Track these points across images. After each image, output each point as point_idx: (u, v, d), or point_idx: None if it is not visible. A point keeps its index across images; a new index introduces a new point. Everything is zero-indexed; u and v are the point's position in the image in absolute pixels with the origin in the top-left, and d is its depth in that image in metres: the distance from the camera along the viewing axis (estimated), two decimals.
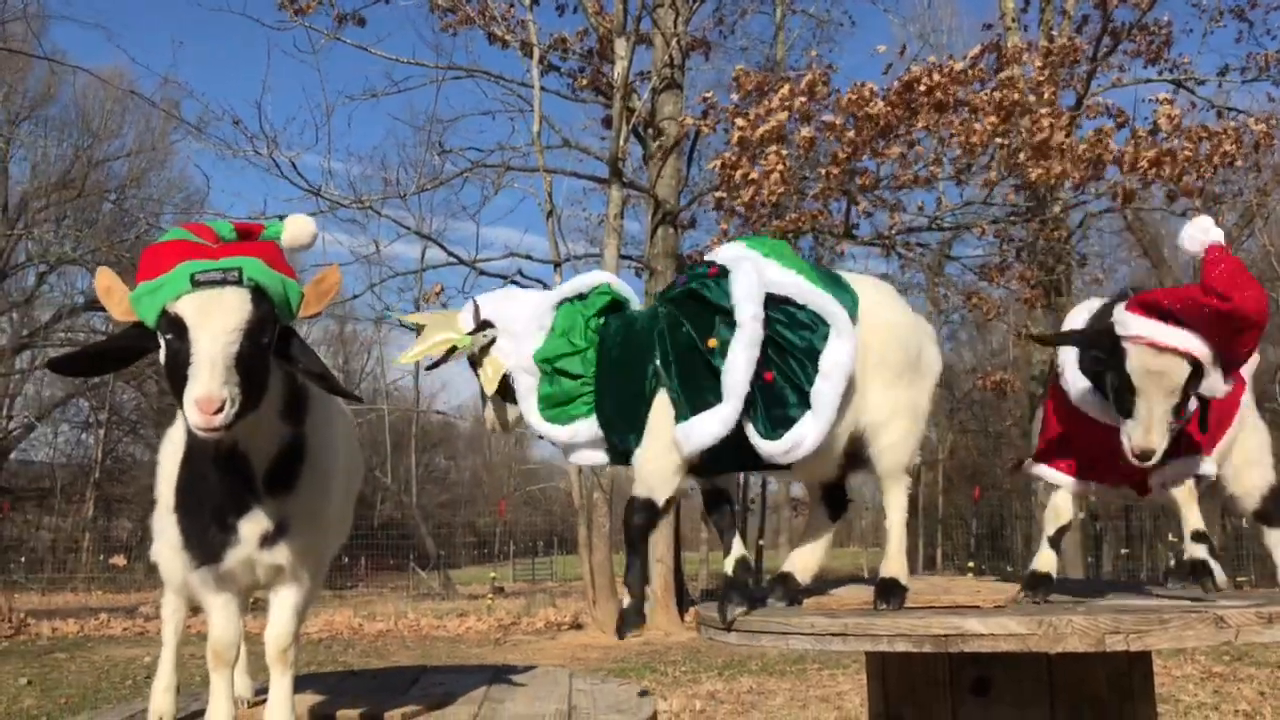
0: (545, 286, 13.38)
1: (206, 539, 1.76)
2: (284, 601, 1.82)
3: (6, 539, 23.38)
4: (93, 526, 24.67)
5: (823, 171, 10.61)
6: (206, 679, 2.06)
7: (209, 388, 1.52)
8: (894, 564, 2.02)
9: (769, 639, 1.92)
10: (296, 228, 1.78)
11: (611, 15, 12.81)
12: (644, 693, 2.29)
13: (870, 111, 10.07)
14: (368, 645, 10.23)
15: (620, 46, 12.40)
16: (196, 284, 1.57)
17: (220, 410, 1.51)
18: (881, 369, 1.98)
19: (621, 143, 12.59)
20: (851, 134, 10.18)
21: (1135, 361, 1.87)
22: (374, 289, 14.48)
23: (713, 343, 1.94)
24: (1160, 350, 1.85)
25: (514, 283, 12.86)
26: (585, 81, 13.95)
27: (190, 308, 1.57)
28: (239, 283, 1.59)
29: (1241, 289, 1.82)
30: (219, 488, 1.72)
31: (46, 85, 25.97)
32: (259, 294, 1.61)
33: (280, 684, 1.78)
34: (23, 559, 20.99)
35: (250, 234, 1.79)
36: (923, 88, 10.06)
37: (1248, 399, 2.37)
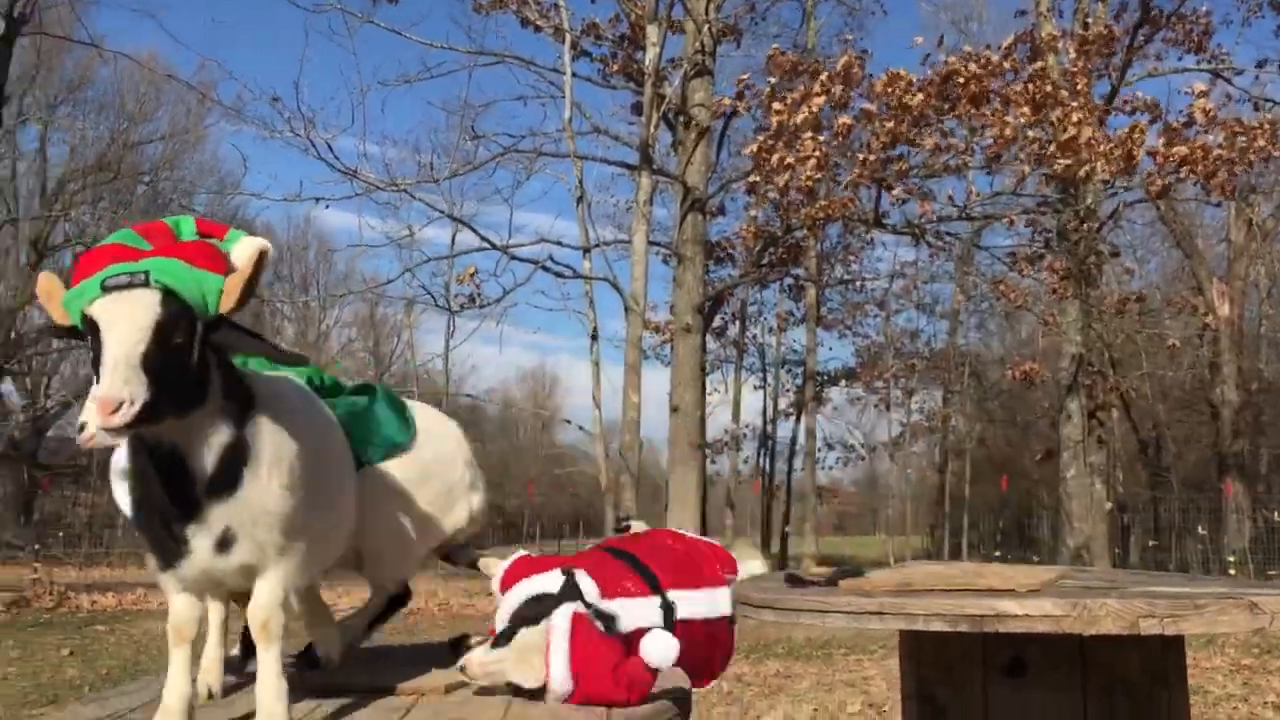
0: (575, 272, 13.48)
1: (162, 548, 1.76)
2: (265, 579, 1.80)
3: (45, 515, 23.77)
4: None
5: (860, 159, 10.59)
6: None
7: (106, 388, 1.52)
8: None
9: (807, 617, 1.97)
10: (241, 249, 1.74)
11: (643, 1, 12.83)
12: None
13: (908, 102, 10.05)
14: (399, 623, 10.36)
15: (652, 33, 12.42)
16: (106, 289, 1.59)
17: (117, 410, 1.50)
18: None
19: (652, 129, 12.62)
20: (891, 124, 10.16)
21: None
22: (409, 271, 14.58)
23: None
24: None
25: (543, 268, 12.93)
26: (617, 67, 13.98)
27: (100, 310, 1.59)
28: (146, 285, 1.60)
29: None
30: (163, 496, 1.71)
31: (84, 68, 26.28)
32: (169, 295, 1.60)
33: (266, 657, 1.76)
34: (60, 534, 21.37)
35: (212, 234, 1.79)
36: (961, 79, 10.03)
37: None
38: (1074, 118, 10.14)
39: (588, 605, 2.17)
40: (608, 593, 2.25)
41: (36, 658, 7.43)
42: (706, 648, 2.32)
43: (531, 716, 1.85)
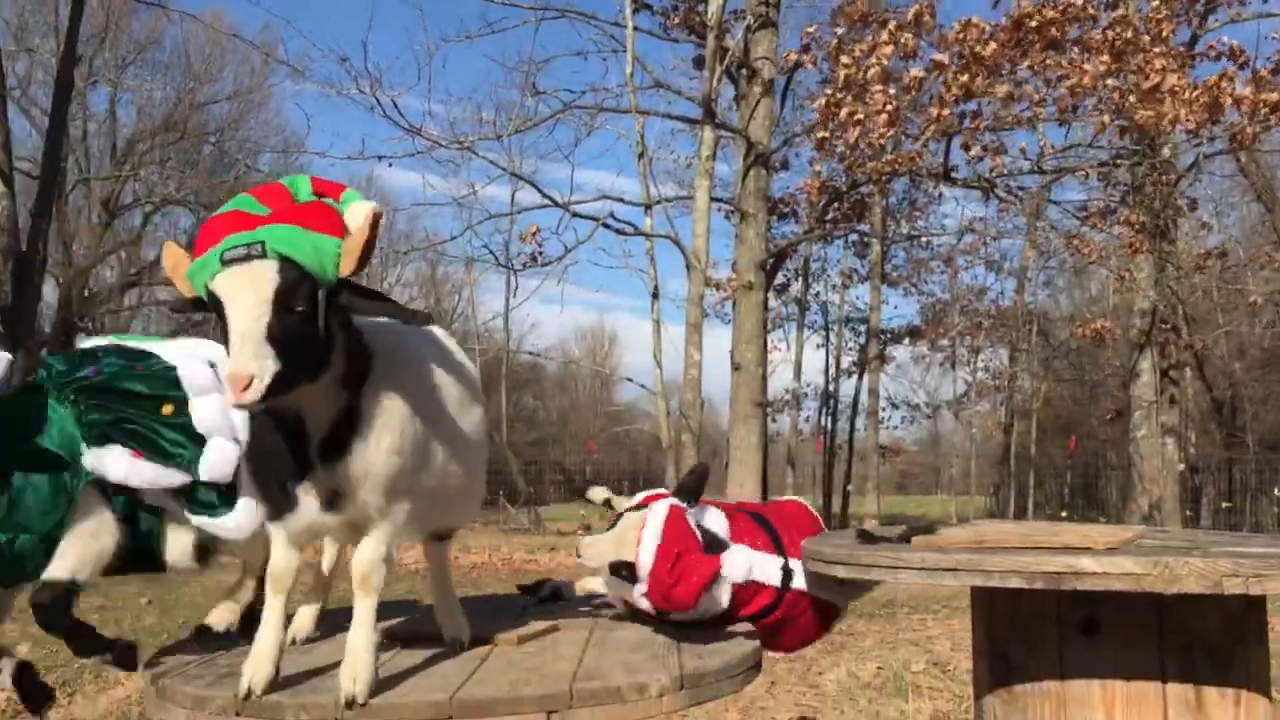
0: (636, 229, 13.43)
1: (272, 501, 1.82)
2: (369, 536, 1.84)
3: None
4: None
5: (932, 113, 10.36)
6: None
7: (235, 364, 1.54)
8: None
9: (879, 572, 1.96)
10: (354, 211, 1.73)
11: None
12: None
13: (980, 51, 9.78)
14: (462, 576, 10.54)
15: None
16: (225, 262, 1.60)
17: (248, 387, 1.53)
18: None
19: (714, 83, 12.47)
20: (965, 77, 9.90)
21: None
22: (471, 229, 14.63)
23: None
24: None
25: (605, 225, 12.91)
26: (678, 20, 13.80)
27: (221, 285, 1.60)
28: (263, 255, 1.60)
29: None
30: (279, 455, 1.75)
31: (151, 29, 26.62)
32: (287, 263, 1.60)
33: (362, 607, 1.81)
34: None
35: (327, 194, 1.78)
36: (1034, 24, 9.72)
37: None
38: (1157, 64, 9.80)
39: (691, 509, 2.36)
40: (735, 536, 2.35)
41: (117, 606, 7.69)
42: (809, 619, 2.41)
43: (604, 666, 1.87)
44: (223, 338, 1.60)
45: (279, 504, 1.80)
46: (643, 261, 12.97)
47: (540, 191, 13.13)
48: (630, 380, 18.41)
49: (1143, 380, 13.94)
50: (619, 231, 13.25)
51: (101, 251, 27.05)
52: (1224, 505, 18.42)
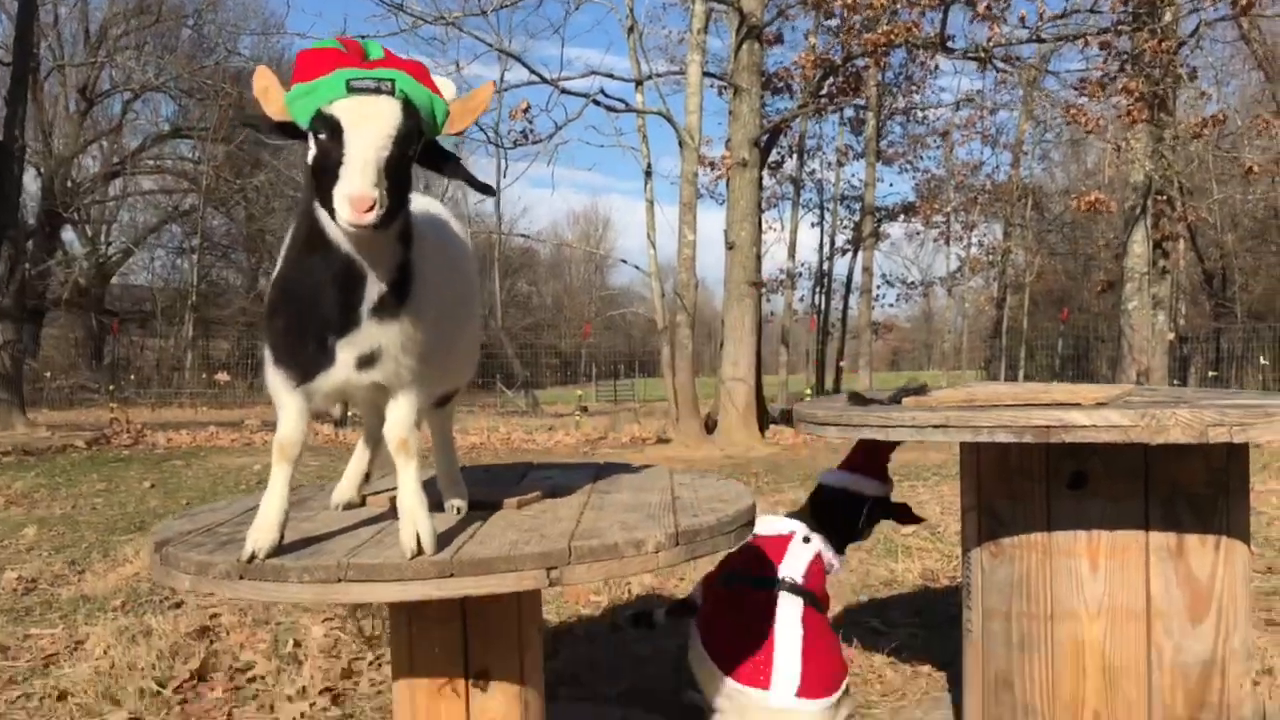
0: (627, 105, 13.19)
1: (302, 358, 1.76)
2: (398, 402, 1.85)
3: (116, 359, 24.57)
4: (193, 347, 25.75)
5: None
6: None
7: (363, 186, 1.56)
8: None
9: (870, 432, 1.99)
10: (445, 83, 1.77)
11: None
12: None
13: None
14: (462, 456, 10.66)
15: None
16: (352, 90, 1.62)
17: (371, 209, 1.56)
18: None
19: None
20: None
21: None
22: None
23: None
24: None
25: (595, 102, 12.67)
26: None
27: (346, 111, 1.61)
28: (391, 93, 1.63)
29: None
30: (325, 305, 1.72)
31: None
32: (409, 106, 1.64)
33: (407, 471, 1.85)
34: (132, 376, 22.11)
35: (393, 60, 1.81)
36: None
37: None
38: None
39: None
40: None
41: (120, 490, 7.81)
42: None
43: (601, 525, 1.91)
44: (325, 160, 1.61)
45: (311, 362, 1.77)
46: (635, 139, 12.79)
47: (528, 68, 12.85)
48: (624, 262, 18.33)
49: (1135, 252, 13.92)
50: (609, 108, 13.03)
51: (82, 140, 26.56)
52: (1210, 375, 18.60)
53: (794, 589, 2.56)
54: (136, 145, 27.67)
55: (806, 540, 2.66)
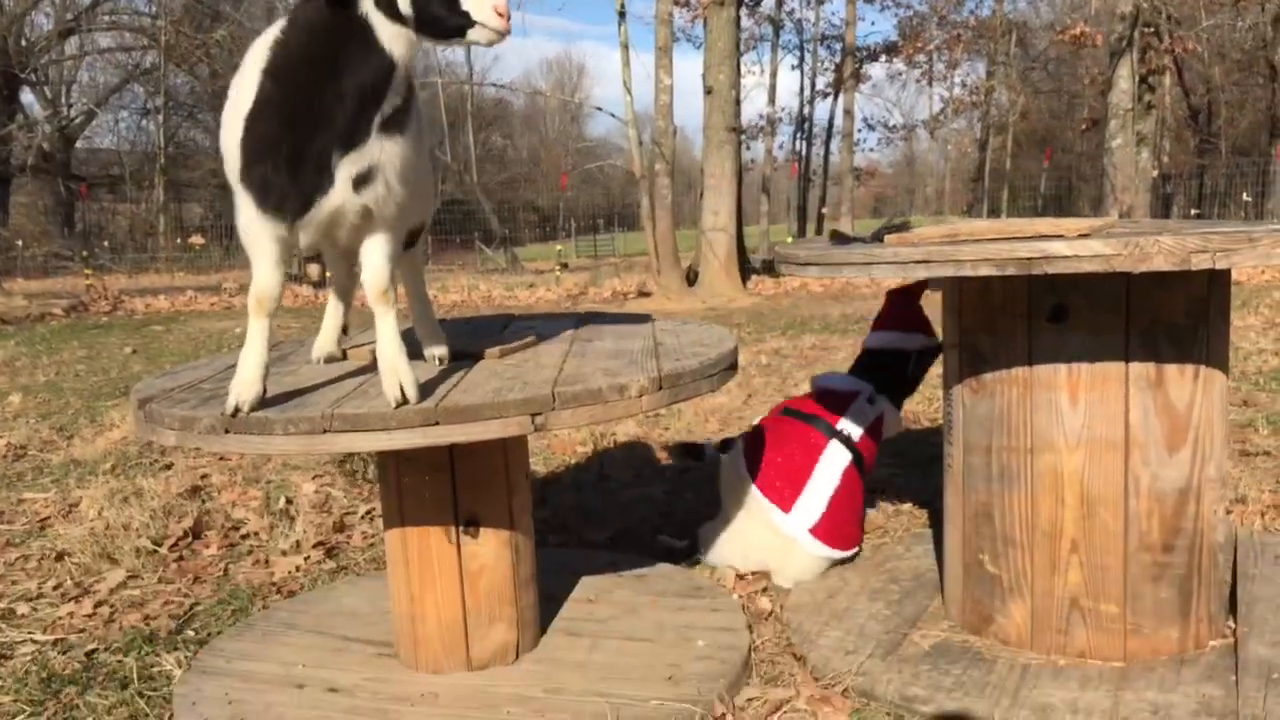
0: None
1: (302, 182, 1.69)
2: (375, 246, 1.82)
3: (88, 225, 24.17)
4: (165, 211, 25.32)
5: None
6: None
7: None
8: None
9: (852, 270, 1.97)
10: None
11: None
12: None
13: None
14: (443, 314, 10.66)
15: None
16: None
17: (507, 16, 1.61)
18: None
19: None
20: None
21: None
22: None
23: None
24: None
25: None
26: None
27: None
28: None
29: None
30: (339, 118, 1.66)
31: None
32: None
33: (385, 321, 1.84)
34: (105, 243, 21.80)
35: None
36: None
37: None
38: None
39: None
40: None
41: (102, 356, 7.78)
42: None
43: (584, 372, 1.91)
44: None
45: (312, 186, 1.70)
46: None
47: None
48: (600, 110, 17.94)
49: (1121, 88, 13.68)
50: None
51: None
52: (1193, 212, 18.58)
53: (847, 442, 2.63)
54: (89, 0, 26.56)
55: (871, 401, 2.73)
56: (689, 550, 2.83)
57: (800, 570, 2.58)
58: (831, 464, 2.60)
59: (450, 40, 1.69)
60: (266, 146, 1.69)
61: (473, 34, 1.65)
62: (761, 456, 2.63)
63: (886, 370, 2.81)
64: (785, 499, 2.57)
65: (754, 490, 2.60)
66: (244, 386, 1.76)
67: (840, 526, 2.59)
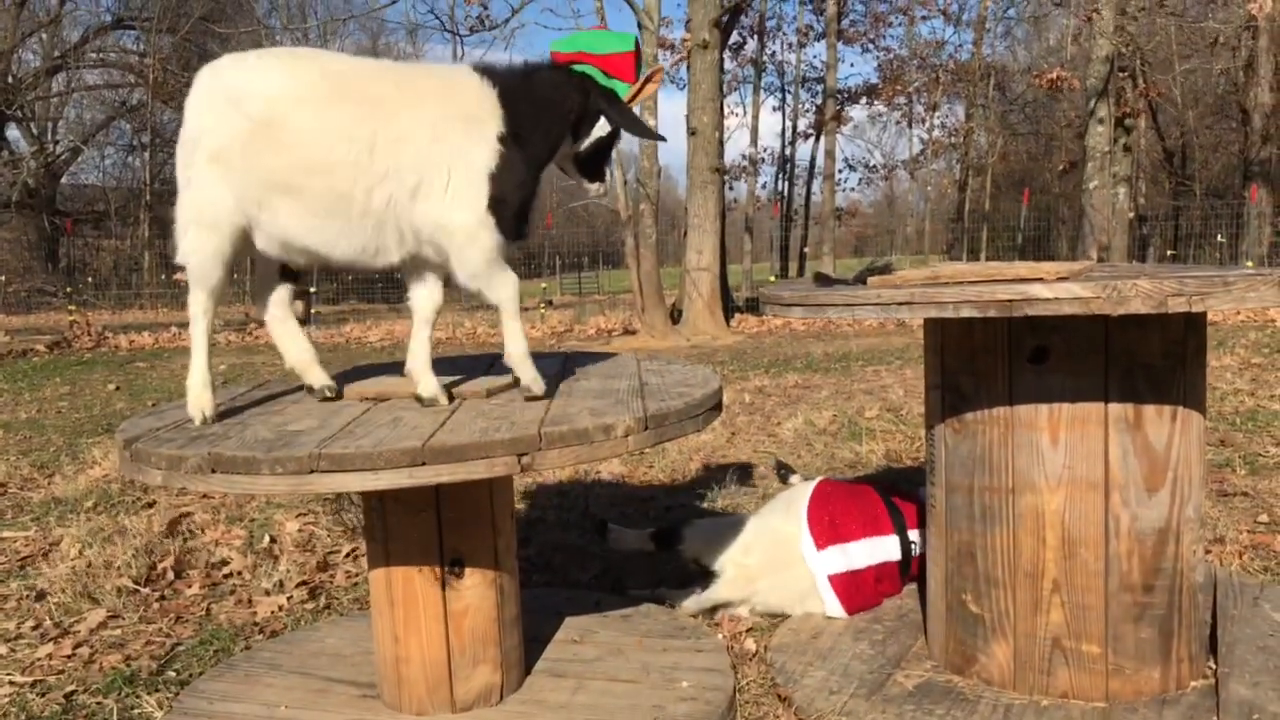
0: None
1: (528, 219, 2.10)
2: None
3: (73, 261, 24.10)
4: (150, 247, 25.27)
5: None
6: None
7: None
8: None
9: (836, 311, 2.00)
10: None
11: None
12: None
13: None
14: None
15: None
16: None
17: None
18: None
19: None
20: None
21: None
22: None
23: None
24: None
25: None
26: None
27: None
28: None
29: None
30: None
31: None
32: None
33: (512, 326, 2.12)
34: (89, 279, 21.72)
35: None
36: None
37: None
38: None
39: None
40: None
41: (85, 393, 7.75)
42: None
43: (570, 412, 1.92)
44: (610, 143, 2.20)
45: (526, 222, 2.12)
46: (593, 21, 12.44)
47: None
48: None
49: (1097, 131, 13.89)
50: None
51: (20, 33, 25.51)
52: (1169, 254, 18.80)
53: (904, 546, 2.68)
54: (78, 38, 26.65)
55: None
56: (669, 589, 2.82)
57: (791, 600, 2.60)
58: (880, 547, 2.66)
59: (582, 179, 2.24)
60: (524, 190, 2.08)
61: (592, 186, 2.25)
62: (828, 500, 2.69)
63: None
64: (823, 539, 2.61)
65: (801, 512, 2.66)
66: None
67: (854, 595, 2.61)
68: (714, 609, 2.68)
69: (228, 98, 1.99)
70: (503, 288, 2.06)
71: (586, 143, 2.16)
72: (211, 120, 2.00)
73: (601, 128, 2.14)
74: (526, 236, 2.13)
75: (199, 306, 2.09)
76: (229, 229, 2.02)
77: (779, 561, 2.63)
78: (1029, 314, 1.78)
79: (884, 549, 2.65)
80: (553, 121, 2.09)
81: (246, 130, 1.96)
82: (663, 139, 2.51)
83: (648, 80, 2.15)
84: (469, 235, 1.99)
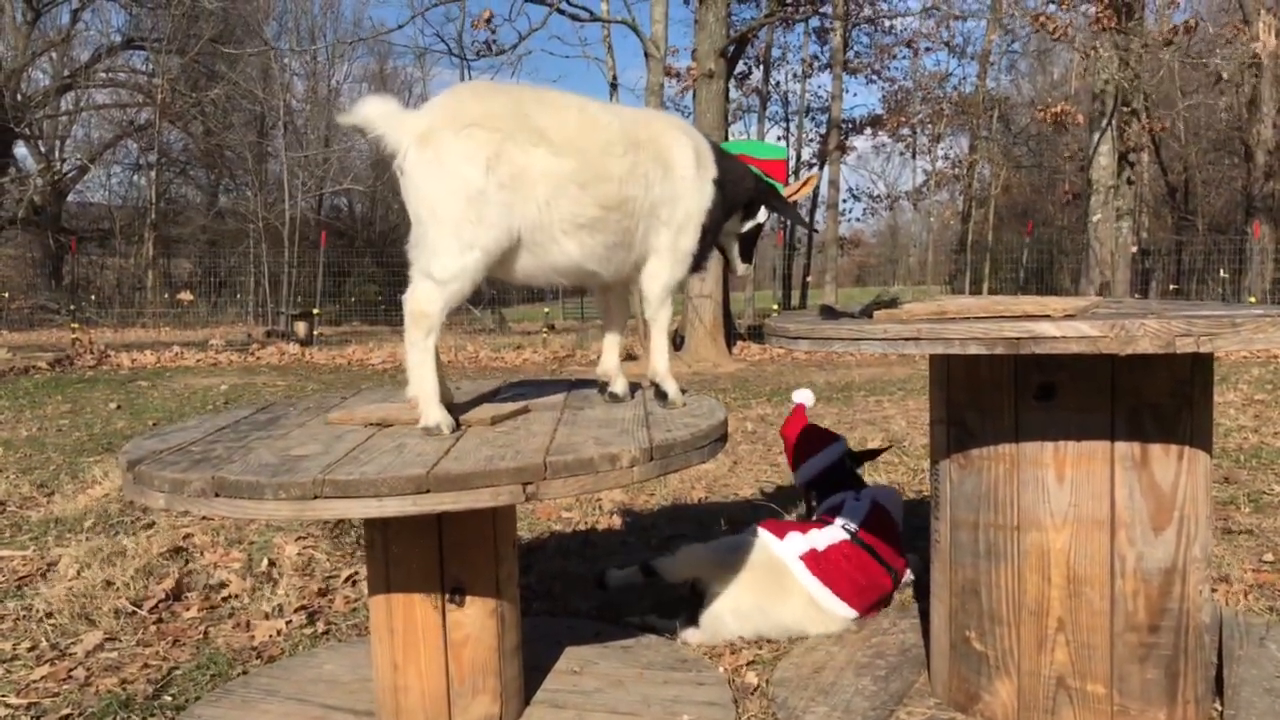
0: (592, 15, 12.91)
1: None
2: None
3: (76, 278, 24.14)
4: (154, 266, 25.32)
5: None
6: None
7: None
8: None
9: (842, 344, 2.00)
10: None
11: None
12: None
13: None
14: None
15: None
16: None
17: None
18: None
19: None
20: None
21: None
22: (421, 16, 13.98)
23: None
24: None
25: (559, 11, 12.40)
26: None
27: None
28: None
29: None
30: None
31: None
32: None
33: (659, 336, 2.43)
34: (93, 297, 21.75)
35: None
36: None
37: None
38: None
39: None
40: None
41: (86, 411, 7.73)
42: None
43: (575, 440, 1.91)
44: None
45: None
46: (600, 50, 12.52)
47: None
48: None
49: (1101, 164, 13.93)
50: (574, 17, 12.75)
51: (30, 52, 25.67)
52: (1172, 288, 18.80)
53: (848, 529, 2.91)
54: (88, 57, 26.82)
55: (857, 498, 3.13)
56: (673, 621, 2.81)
57: (778, 604, 2.71)
58: (830, 532, 2.86)
59: (736, 257, 2.59)
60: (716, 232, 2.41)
61: (741, 267, 2.63)
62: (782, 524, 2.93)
63: (839, 480, 3.29)
64: (781, 533, 2.82)
65: (761, 531, 2.86)
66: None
67: (830, 572, 2.74)
68: (715, 630, 2.68)
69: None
70: (669, 308, 2.38)
71: (750, 224, 2.50)
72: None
73: (761, 215, 2.49)
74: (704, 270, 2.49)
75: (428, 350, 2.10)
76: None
77: (760, 566, 2.78)
78: (1036, 352, 1.77)
79: (830, 533, 2.86)
80: (739, 191, 2.41)
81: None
82: (816, 230, 2.93)
83: (804, 184, 2.54)
84: (682, 258, 2.31)
